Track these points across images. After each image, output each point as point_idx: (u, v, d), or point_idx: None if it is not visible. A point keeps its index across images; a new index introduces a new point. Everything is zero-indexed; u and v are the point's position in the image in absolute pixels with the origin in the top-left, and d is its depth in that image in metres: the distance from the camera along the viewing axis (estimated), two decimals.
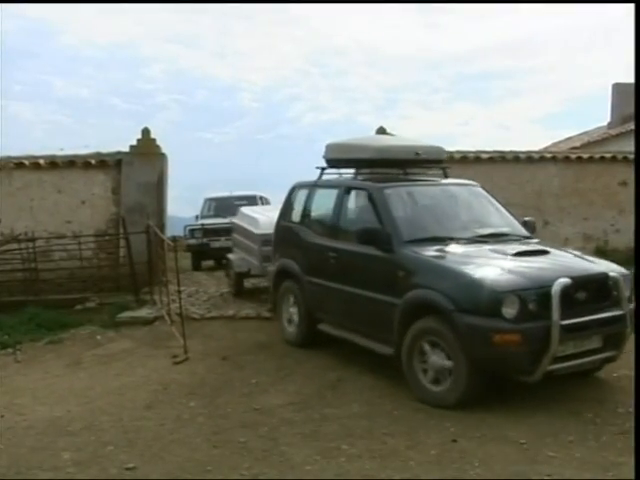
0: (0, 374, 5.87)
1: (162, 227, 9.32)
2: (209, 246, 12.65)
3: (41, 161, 9.37)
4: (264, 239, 7.45)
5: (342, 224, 5.85)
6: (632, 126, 13.99)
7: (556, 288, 4.17)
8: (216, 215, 13.55)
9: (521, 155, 10.92)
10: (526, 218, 5.85)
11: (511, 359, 4.24)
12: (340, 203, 5.88)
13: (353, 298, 5.39)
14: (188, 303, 8.30)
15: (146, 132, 9.79)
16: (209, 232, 12.69)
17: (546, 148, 17.62)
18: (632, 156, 10.69)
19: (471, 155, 10.69)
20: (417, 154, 5.94)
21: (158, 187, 9.60)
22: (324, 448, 3.86)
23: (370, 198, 5.51)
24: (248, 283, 9.25)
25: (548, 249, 5.01)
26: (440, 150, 6.33)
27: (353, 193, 5.94)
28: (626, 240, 10.15)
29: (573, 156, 11.34)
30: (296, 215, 6.58)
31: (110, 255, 9.40)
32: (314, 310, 6.03)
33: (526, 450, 3.75)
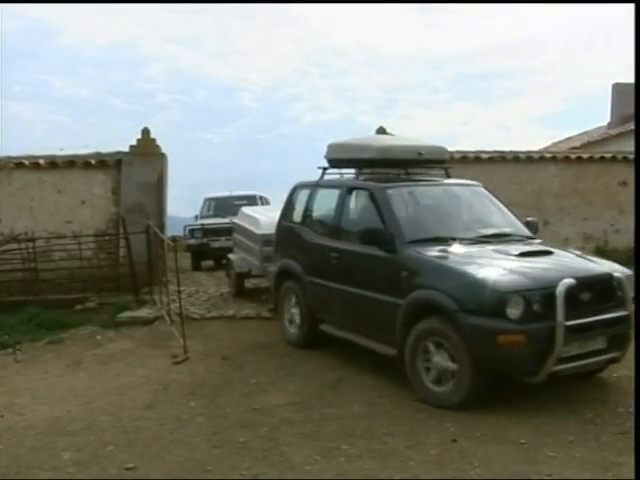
0: (0, 374, 5.85)
1: (162, 227, 9.30)
2: (209, 246, 12.63)
3: (41, 161, 9.36)
4: (265, 239, 7.43)
5: (344, 224, 5.83)
6: (632, 126, 13.98)
7: (560, 289, 4.15)
8: (216, 215, 13.52)
9: (521, 155, 10.90)
10: (529, 218, 5.83)
11: (515, 360, 4.22)
12: (342, 203, 5.86)
13: (355, 299, 5.36)
14: (188, 303, 8.28)
15: (146, 132, 9.77)
16: (209, 232, 12.67)
17: (546, 148, 17.61)
18: (632, 156, 10.67)
19: (471, 155, 10.67)
20: (420, 154, 5.93)
21: (158, 187, 9.58)
22: (324, 448, 3.85)
23: (372, 198, 5.48)
24: (248, 283, 9.23)
25: (552, 249, 4.99)
26: (442, 150, 6.31)
27: (355, 193, 5.92)
28: (626, 240, 10.13)
29: (573, 156, 11.34)
30: (297, 215, 6.55)
31: (110, 255, 9.38)
32: (316, 311, 6.00)
33: (526, 450, 3.74)
